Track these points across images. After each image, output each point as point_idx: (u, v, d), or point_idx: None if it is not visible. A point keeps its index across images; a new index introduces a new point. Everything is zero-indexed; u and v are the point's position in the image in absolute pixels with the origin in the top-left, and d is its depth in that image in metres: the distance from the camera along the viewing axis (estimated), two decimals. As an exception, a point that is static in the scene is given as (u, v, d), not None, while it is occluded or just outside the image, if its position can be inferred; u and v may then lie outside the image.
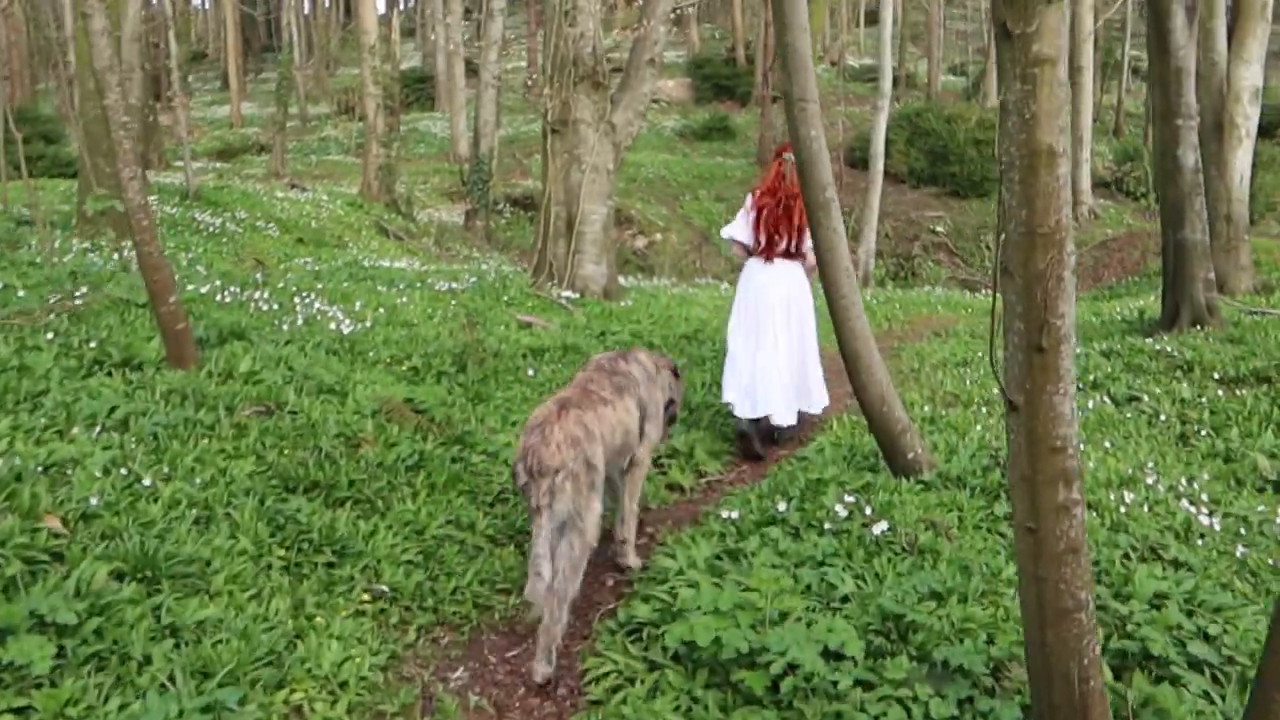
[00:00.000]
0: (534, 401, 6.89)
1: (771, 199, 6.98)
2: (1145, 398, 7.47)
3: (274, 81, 31.44)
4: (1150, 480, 5.62)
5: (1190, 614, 4.15)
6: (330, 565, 4.38)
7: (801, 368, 7.19)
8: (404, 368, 7.01)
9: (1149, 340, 9.18)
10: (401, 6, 68.34)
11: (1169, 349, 8.54)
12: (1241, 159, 13.70)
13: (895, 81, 31.03)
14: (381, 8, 58.64)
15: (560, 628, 4.04)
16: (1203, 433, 6.88)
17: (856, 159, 29.19)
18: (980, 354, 9.19)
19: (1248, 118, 13.68)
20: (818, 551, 4.41)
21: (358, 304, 9.14)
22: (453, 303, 9.86)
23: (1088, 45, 27.63)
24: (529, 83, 21.79)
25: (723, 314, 11.38)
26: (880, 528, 4.52)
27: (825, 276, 5.24)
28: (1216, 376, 7.81)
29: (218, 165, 30.94)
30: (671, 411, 5.47)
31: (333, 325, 7.92)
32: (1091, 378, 8.09)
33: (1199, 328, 9.67)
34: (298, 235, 16.84)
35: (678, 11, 13.11)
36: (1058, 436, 2.69)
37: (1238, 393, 7.49)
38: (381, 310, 9.03)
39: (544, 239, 11.65)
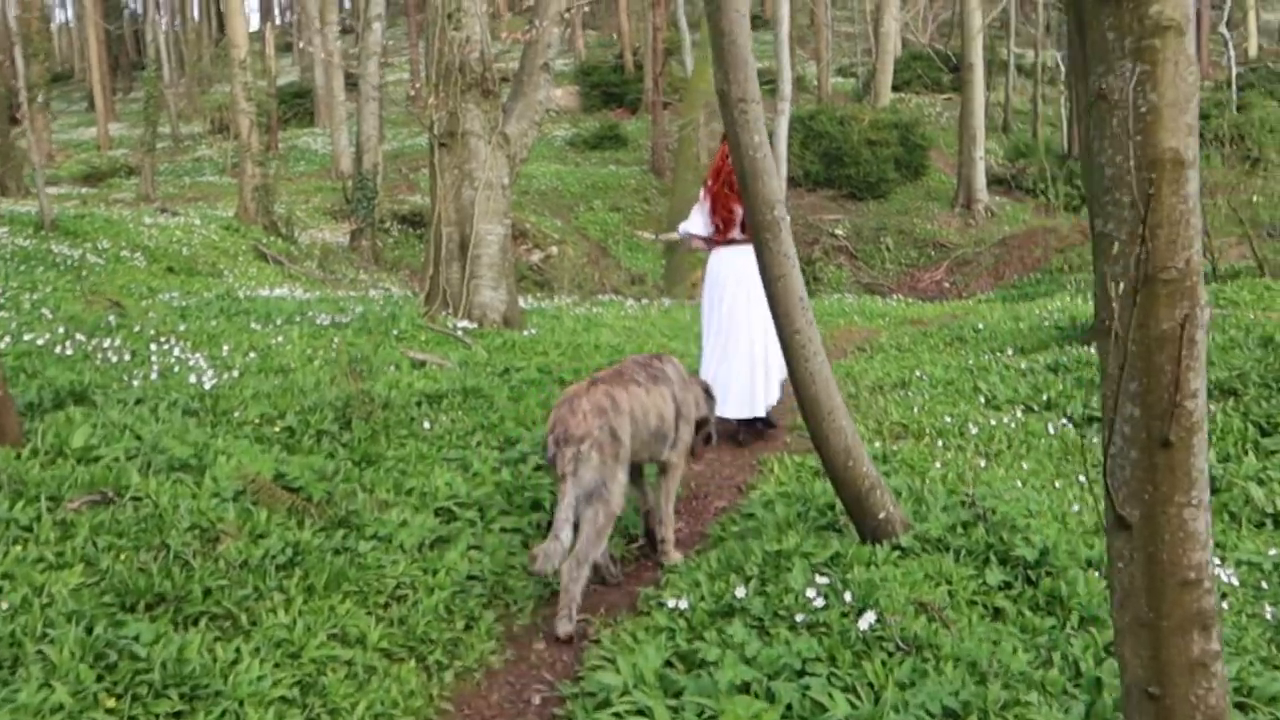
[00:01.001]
0: (432, 459, 5.94)
1: (716, 180, 6.83)
2: (1106, 418, 6.82)
3: (143, 101, 29.70)
4: (1146, 524, 4.92)
5: (1244, 708, 3.44)
6: (177, 715, 3.38)
7: (763, 356, 6.92)
8: (276, 429, 5.96)
9: (1089, 349, 8.60)
10: (278, 20, 66.32)
11: (1118, 360, 7.93)
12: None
13: (787, 84, 30.54)
14: (256, 22, 56.80)
15: (580, 586, 4.32)
16: (1178, 457, 6.25)
17: (753, 164, 28.63)
18: (918, 373, 8.48)
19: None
20: (793, 655, 3.57)
21: (225, 348, 8.04)
22: (335, 340, 8.81)
23: (977, 42, 27.58)
24: (412, 93, 20.71)
25: (635, 338, 10.56)
26: (867, 620, 3.70)
27: (776, 309, 4.41)
28: (1178, 390, 7.21)
29: (83, 190, 29.07)
30: (707, 430, 5.50)
31: (193, 378, 6.84)
32: (1045, 396, 7.45)
33: (1137, 332, 9.12)
34: (167, 264, 15.58)
35: (567, 15, 12.26)
36: (1190, 565, 1.89)
37: (1205, 408, 6.89)
38: (253, 354, 7.94)
39: (435, 263, 10.61)
